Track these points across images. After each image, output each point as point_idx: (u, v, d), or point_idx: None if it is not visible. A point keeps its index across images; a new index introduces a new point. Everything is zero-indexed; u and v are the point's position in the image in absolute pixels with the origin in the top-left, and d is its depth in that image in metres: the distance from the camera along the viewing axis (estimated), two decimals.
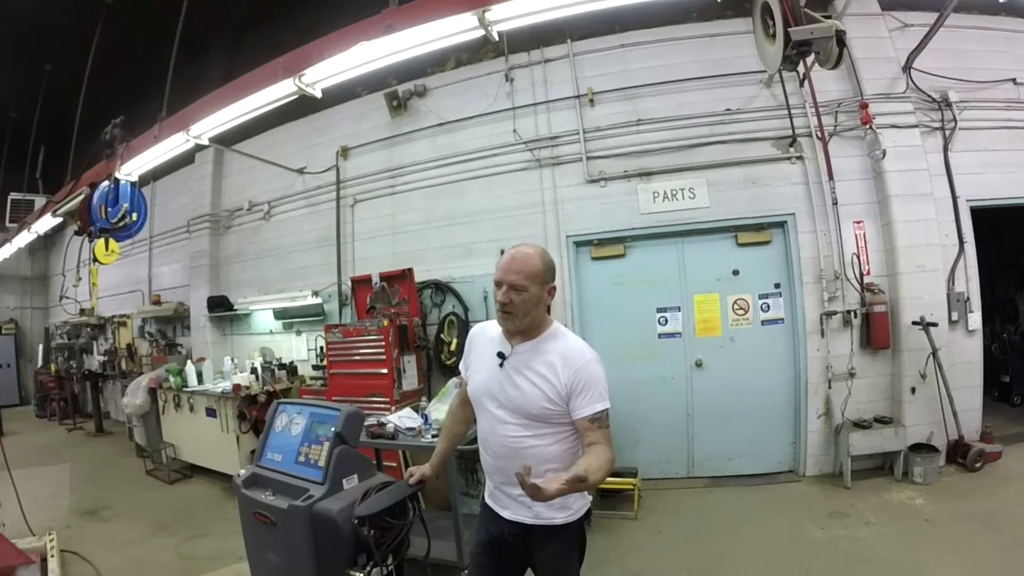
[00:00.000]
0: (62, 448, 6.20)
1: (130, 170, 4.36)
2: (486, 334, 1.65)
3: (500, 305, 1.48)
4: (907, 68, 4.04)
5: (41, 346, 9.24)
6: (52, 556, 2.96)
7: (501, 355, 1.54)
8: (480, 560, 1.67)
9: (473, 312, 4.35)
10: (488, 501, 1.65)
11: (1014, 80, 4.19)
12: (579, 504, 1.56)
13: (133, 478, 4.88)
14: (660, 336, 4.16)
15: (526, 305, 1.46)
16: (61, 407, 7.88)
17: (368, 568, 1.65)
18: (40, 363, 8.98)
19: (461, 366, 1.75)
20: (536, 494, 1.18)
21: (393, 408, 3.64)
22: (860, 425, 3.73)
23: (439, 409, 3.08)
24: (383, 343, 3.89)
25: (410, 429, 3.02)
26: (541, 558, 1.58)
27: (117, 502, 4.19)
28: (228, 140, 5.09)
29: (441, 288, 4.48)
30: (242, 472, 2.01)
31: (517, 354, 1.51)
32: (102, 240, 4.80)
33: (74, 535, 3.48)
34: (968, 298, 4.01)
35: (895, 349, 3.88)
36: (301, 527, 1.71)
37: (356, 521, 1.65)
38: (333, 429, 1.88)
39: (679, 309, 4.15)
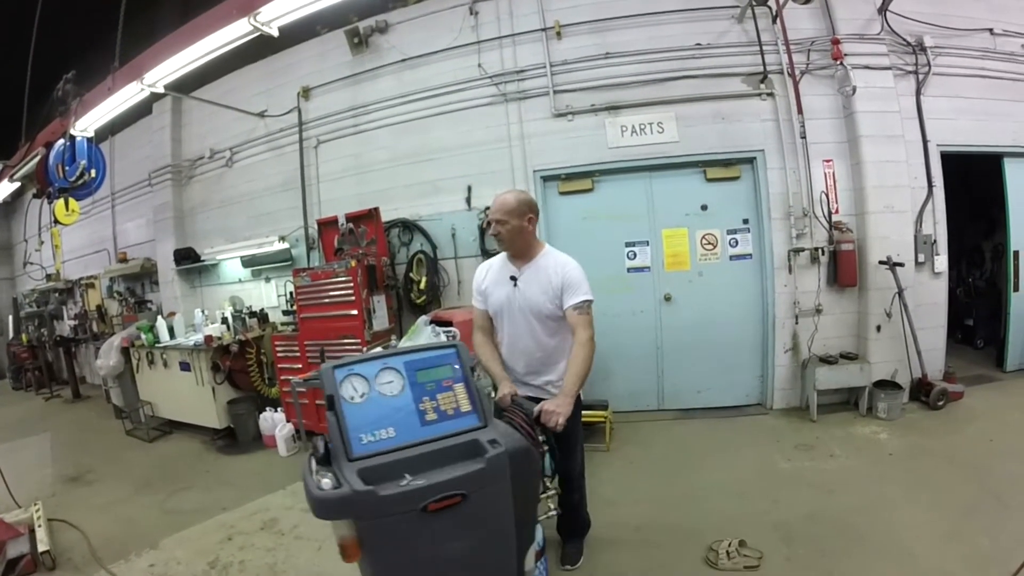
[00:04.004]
0: (41, 418, 6.10)
1: (85, 125, 4.21)
2: (493, 267, 2.16)
3: (495, 236, 2.05)
4: (883, 10, 3.98)
5: (11, 317, 8.98)
6: (39, 526, 2.91)
7: (513, 278, 2.06)
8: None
9: (441, 250, 4.31)
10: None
11: (991, 30, 4.17)
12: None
13: (114, 440, 4.85)
14: (629, 270, 4.18)
15: (510, 234, 2.01)
16: (37, 377, 7.71)
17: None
18: (11, 334, 8.75)
19: (477, 296, 2.18)
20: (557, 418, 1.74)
21: (365, 349, 3.64)
22: (826, 360, 3.81)
23: None
24: (352, 284, 3.85)
25: None
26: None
27: (100, 465, 4.17)
28: (186, 87, 4.89)
29: (409, 227, 4.42)
30: (325, 485, 1.30)
31: (523, 274, 2.06)
32: (62, 200, 4.65)
33: (60, 502, 3.45)
34: (935, 241, 4.06)
35: (862, 287, 3.94)
36: (502, 479, 1.42)
37: (543, 439, 1.81)
38: (463, 365, 1.63)
39: (647, 244, 4.16)
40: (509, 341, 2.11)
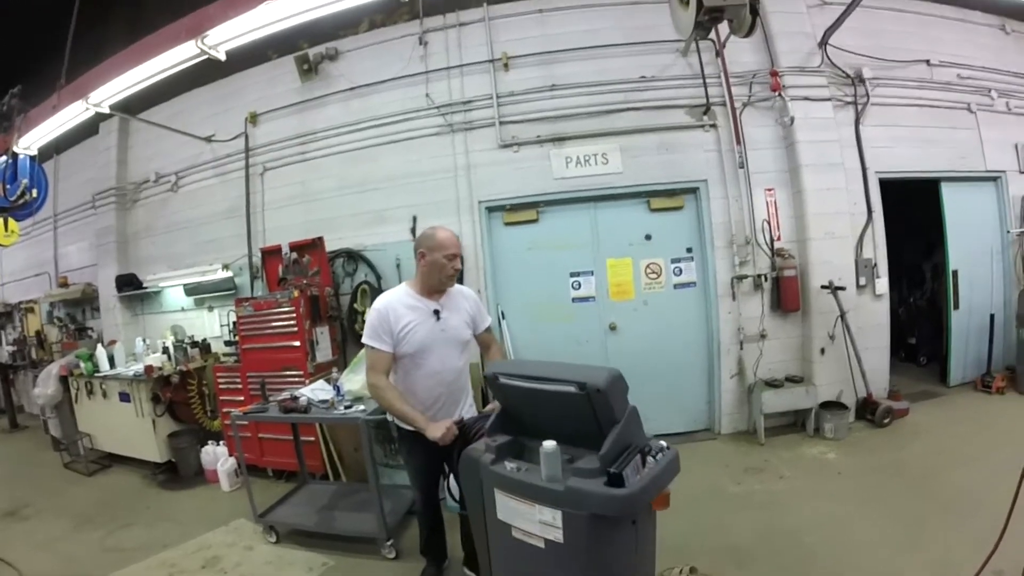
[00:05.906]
0: None
1: (29, 143, 4.06)
2: (402, 304, 2.08)
3: (456, 271, 2.11)
4: (823, 44, 4.16)
5: None
6: None
7: (436, 312, 2.10)
8: (431, 471, 2.27)
9: (386, 280, 4.25)
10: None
11: (927, 61, 4.40)
12: None
13: (52, 473, 4.63)
14: (574, 300, 4.20)
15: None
16: None
17: None
18: None
19: (383, 339, 2.03)
20: None
21: (308, 381, 3.56)
22: (772, 384, 3.87)
23: (352, 380, 3.03)
24: (295, 315, 3.78)
25: (323, 401, 2.97)
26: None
27: (37, 499, 3.98)
28: (133, 108, 4.77)
29: (353, 256, 4.36)
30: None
31: (444, 305, 2.13)
32: (1, 220, 4.48)
33: None
34: (876, 264, 4.20)
35: (805, 312, 4.05)
36: None
37: None
38: None
39: (592, 274, 4.19)
40: (434, 373, 2.09)
